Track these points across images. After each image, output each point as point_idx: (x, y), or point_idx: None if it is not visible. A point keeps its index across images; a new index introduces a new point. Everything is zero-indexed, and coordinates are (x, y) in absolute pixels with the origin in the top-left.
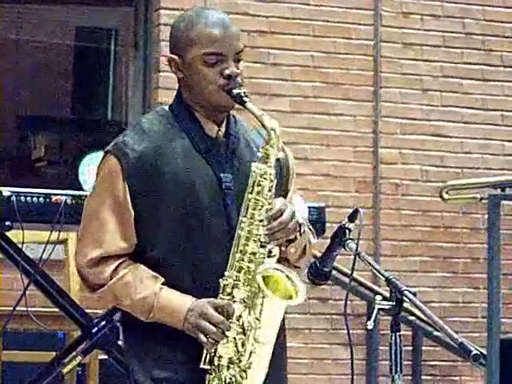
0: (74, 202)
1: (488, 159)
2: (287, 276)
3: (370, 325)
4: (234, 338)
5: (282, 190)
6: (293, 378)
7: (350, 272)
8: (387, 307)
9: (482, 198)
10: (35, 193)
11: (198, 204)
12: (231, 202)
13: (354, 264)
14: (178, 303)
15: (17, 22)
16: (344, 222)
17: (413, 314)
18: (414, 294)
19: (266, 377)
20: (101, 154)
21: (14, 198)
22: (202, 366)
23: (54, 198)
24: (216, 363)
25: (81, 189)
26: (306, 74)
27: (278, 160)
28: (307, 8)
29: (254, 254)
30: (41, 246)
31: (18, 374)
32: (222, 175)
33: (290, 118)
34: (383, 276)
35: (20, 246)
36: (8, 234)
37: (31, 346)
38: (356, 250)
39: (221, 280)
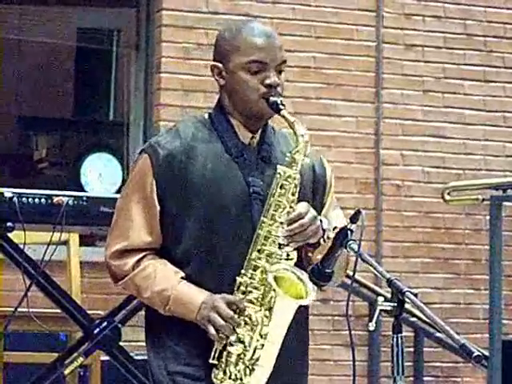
0: (75, 203)
1: (489, 160)
2: (298, 277)
3: (372, 326)
4: (243, 335)
5: (319, 203)
6: None
7: (351, 273)
8: (389, 308)
9: (483, 200)
10: (37, 194)
11: (224, 206)
12: (258, 205)
13: (355, 265)
14: (193, 296)
15: (18, 23)
16: (346, 223)
17: (414, 316)
18: (416, 295)
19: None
20: (102, 155)
21: (15, 198)
22: (210, 361)
23: (55, 199)
24: (224, 359)
25: (82, 190)
26: (308, 74)
27: (314, 171)
28: (309, 9)
29: (271, 254)
30: (42, 247)
31: (19, 375)
32: (250, 179)
33: None
34: (385, 277)
35: (22, 246)
36: (10, 234)
37: (33, 347)
38: (358, 251)
39: (237, 278)
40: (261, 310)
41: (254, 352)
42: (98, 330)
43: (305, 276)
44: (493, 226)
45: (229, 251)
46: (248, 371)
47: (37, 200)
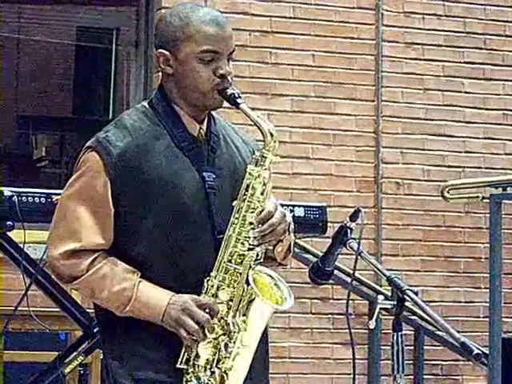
0: None
1: (490, 158)
2: (275, 283)
3: (372, 324)
4: (215, 339)
5: None
6: (294, 378)
7: (351, 271)
8: (389, 306)
9: (483, 198)
10: (36, 193)
11: (182, 203)
12: (215, 201)
13: (355, 263)
14: (157, 296)
15: (18, 22)
16: (345, 222)
17: (415, 314)
18: (416, 294)
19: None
20: None
21: (15, 197)
22: (178, 365)
23: (55, 198)
24: (192, 363)
25: None
26: (308, 73)
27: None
28: (308, 7)
29: (242, 256)
30: (42, 246)
31: (19, 374)
32: (204, 174)
33: (292, 118)
34: (385, 275)
35: (21, 245)
36: (10, 233)
37: (33, 346)
38: (358, 249)
39: (205, 280)
40: (236, 316)
41: (234, 359)
42: (97, 328)
43: (282, 282)
44: (493, 223)
45: (191, 251)
46: (226, 376)
47: (36, 199)
